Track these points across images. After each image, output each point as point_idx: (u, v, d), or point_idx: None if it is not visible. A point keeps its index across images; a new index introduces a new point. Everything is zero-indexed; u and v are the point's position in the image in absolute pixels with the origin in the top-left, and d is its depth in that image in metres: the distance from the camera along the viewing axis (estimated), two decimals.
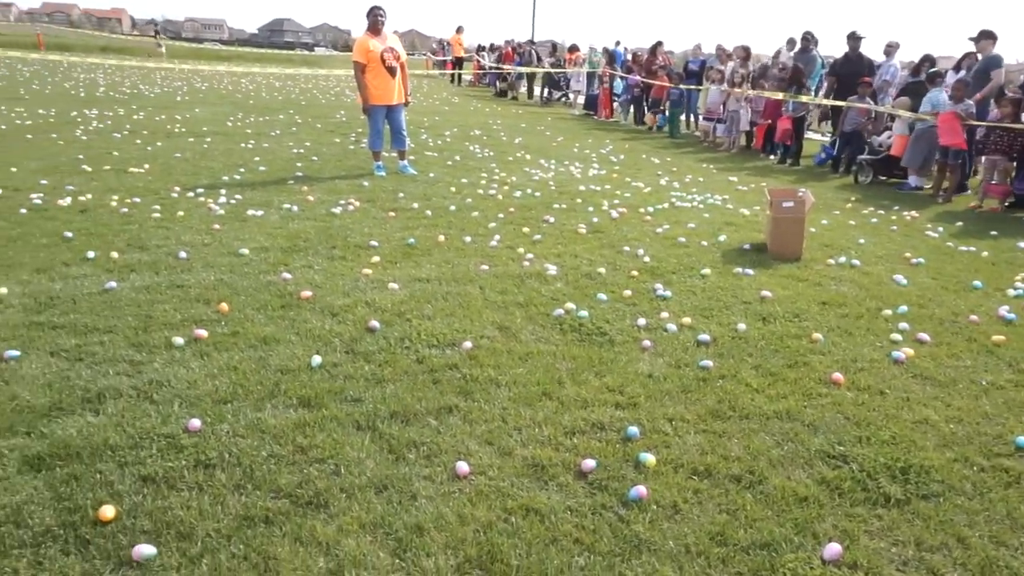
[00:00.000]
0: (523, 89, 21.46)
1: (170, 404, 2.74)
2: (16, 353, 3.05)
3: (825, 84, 10.41)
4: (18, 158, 7.35)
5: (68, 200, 5.68)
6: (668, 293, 4.18)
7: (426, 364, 3.16)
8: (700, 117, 12.98)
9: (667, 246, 5.25)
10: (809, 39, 11.28)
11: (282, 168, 7.59)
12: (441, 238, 5.10)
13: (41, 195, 5.80)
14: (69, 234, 4.78)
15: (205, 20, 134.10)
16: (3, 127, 9.34)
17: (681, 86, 12.78)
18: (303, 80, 22.57)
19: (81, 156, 7.64)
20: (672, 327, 3.67)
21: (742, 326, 3.73)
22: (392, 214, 5.76)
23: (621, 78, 15.24)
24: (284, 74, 24.21)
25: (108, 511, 2.10)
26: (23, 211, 5.31)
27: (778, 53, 12.35)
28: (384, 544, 2.05)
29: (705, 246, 5.28)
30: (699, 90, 13.35)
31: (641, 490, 2.31)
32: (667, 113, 13.08)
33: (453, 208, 6.05)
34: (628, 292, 4.16)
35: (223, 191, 6.29)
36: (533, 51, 21.22)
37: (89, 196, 5.87)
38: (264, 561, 1.97)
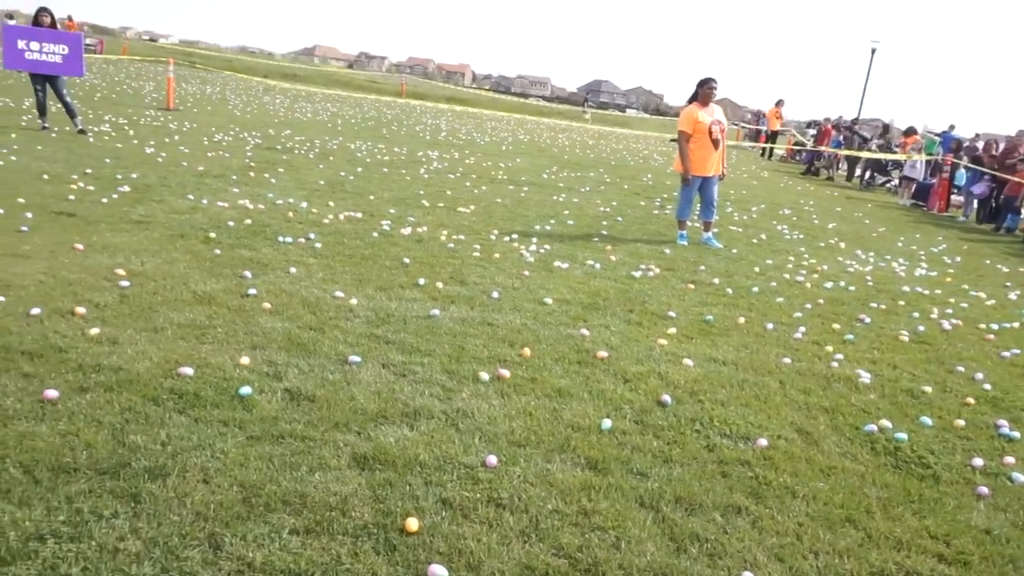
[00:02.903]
0: (842, 170, 20.06)
1: (472, 435, 2.95)
2: (358, 359, 3.54)
3: None
4: (375, 188, 8.68)
5: (408, 230, 6.54)
6: (1016, 434, 3.51)
7: (716, 453, 3.01)
8: None
9: (1016, 376, 4.44)
10: None
11: (588, 224, 7.96)
12: (741, 320, 4.90)
13: (389, 222, 6.76)
14: (407, 260, 5.48)
15: (533, 78, 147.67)
16: (368, 161, 11.13)
17: None
18: (615, 140, 23.62)
19: (422, 192, 8.78)
20: (1020, 477, 3.06)
21: None
22: (691, 286, 5.69)
23: (966, 168, 13.50)
24: (597, 132, 25.59)
25: (413, 523, 2.31)
26: (375, 235, 6.23)
27: None
28: None
29: None
30: None
31: None
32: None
33: (756, 289, 5.79)
34: (961, 422, 3.58)
35: (534, 239, 6.76)
36: (857, 131, 19.77)
37: (425, 228, 6.70)
38: None
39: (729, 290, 5.69)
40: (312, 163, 10.14)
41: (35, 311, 3.65)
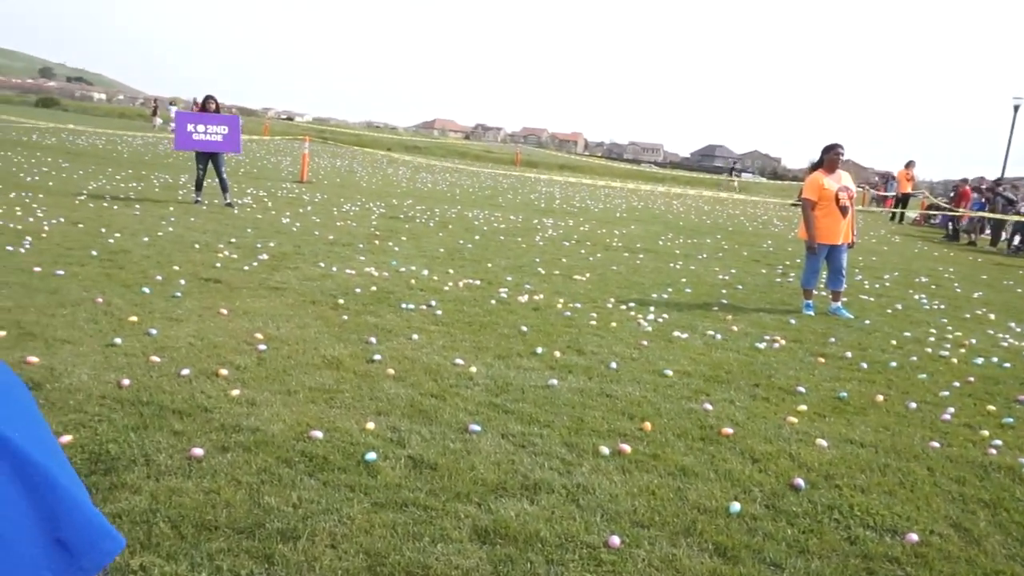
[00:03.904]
0: (985, 234, 18.64)
1: (593, 513, 2.87)
2: (478, 428, 3.56)
3: None
4: (492, 255, 8.89)
5: (525, 297, 6.62)
6: None
7: (859, 546, 2.77)
8: None
9: None
10: None
11: (707, 292, 7.76)
12: (879, 398, 4.56)
13: (506, 290, 6.87)
14: (524, 328, 5.52)
15: (645, 144, 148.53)
16: (485, 229, 11.46)
17: None
18: (731, 205, 23.17)
19: (537, 259, 8.90)
20: None
21: None
22: (821, 360, 5.38)
23: None
24: (712, 198, 25.21)
25: None
26: (493, 302, 6.34)
27: None
28: None
29: None
30: None
31: None
32: None
33: (894, 364, 5.40)
34: None
35: (651, 308, 6.65)
36: (1002, 192, 18.40)
37: (541, 296, 6.75)
38: None
39: (864, 364, 5.33)
40: (432, 231, 10.55)
41: (185, 372, 3.94)
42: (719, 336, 5.81)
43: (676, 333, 5.78)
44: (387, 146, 42.02)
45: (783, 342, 5.79)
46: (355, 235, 9.43)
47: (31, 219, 8.19)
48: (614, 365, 4.77)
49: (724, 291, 7.90)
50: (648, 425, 3.77)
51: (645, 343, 5.41)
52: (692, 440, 3.66)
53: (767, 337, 5.90)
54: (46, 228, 7.74)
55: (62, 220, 8.36)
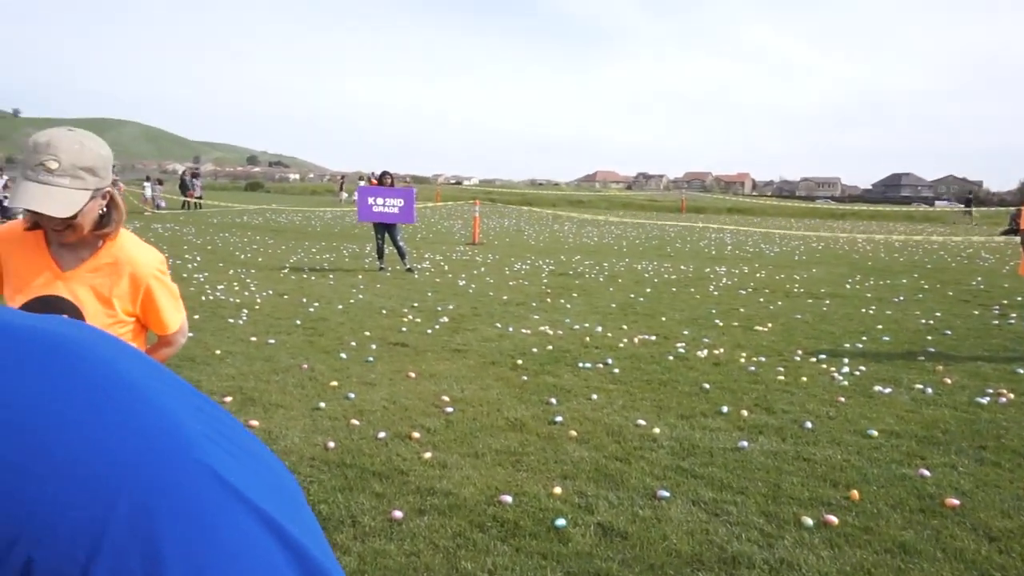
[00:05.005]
0: None
1: None
2: (667, 494, 3.45)
3: None
4: (666, 308, 8.71)
5: (704, 352, 6.39)
6: None
7: None
8: None
9: None
10: None
11: (909, 340, 7.06)
12: None
13: (683, 345, 6.68)
14: (706, 385, 5.31)
15: (819, 179, 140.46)
16: (656, 281, 11.29)
17: None
18: (925, 242, 21.13)
19: (713, 310, 8.59)
20: None
21: None
22: None
23: None
24: (903, 231, 23.15)
25: None
26: (670, 358, 6.18)
27: None
28: None
29: None
30: None
31: None
32: None
33: None
34: None
35: (845, 359, 6.15)
36: None
37: (721, 350, 6.49)
38: None
39: None
40: (603, 286, 10.56)
41: (381, 435, 4.19)
42: (929, 390, 5.23)
43: (877, 388, 5.28)
44: (551, 202, 43.06)
45: (1011, 396, 5.10)
46: (528, 294, 9.66)
47: (246, 293, 9.24)
48: (809, 425, 4.44)
49: (929, 338, 7.14)
50: (855, 493, 3.45)
51: (842, 400, 4.99)
52: (910, 512, 3.30)
53: (990, 390, 5.23)
54: (258, 301, 8.68)
55: (270, 292, 9.34)
